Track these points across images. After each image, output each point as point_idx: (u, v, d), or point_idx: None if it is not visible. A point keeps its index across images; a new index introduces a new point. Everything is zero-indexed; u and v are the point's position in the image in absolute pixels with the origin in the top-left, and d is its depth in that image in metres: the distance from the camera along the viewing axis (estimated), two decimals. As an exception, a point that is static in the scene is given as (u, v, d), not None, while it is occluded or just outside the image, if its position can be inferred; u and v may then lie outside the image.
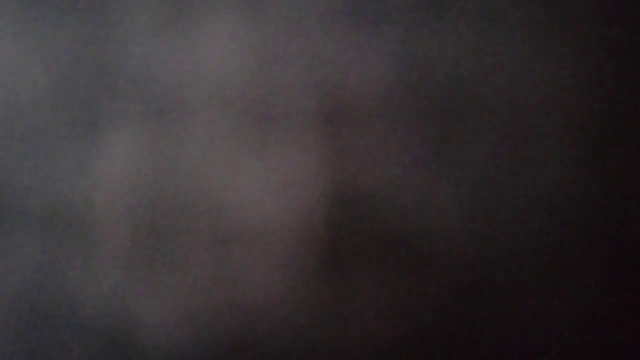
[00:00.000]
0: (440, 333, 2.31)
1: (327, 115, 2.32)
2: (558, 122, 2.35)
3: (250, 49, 2.33)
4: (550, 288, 2.33)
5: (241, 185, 2.31)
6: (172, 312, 2.29)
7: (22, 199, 2.28)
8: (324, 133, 2.32)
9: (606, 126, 2.35)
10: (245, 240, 2.30)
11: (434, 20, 2.34)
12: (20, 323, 2.27)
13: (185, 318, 2.29)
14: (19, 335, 2.27)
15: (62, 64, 2.31)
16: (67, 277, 2.27)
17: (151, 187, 2.30)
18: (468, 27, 2.34)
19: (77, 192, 2.28)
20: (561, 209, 2.34)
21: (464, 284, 2.31)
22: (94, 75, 2.31)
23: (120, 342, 2.27)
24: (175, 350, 2.28)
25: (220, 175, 2.31)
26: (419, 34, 2.34)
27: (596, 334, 2.32)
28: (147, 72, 2.31)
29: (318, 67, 2.33)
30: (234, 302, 2.29)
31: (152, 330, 2.28)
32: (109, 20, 2.31)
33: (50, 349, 2.27)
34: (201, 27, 2.32)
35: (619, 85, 2.36)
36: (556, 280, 2.33)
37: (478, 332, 2.31)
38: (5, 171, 2.28)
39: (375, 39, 2.33)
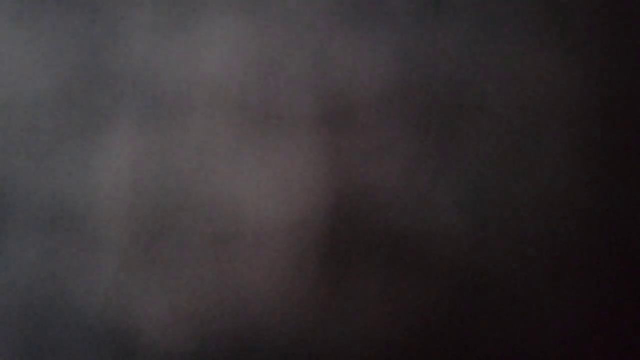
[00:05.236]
0: (440, 332, 2.31)
1: (327, 115, 2.32)
2: (558, 122, 2.35)
3: (250, 49, 2.33)
4: (550, 288, 2.33)
5: (241, 185, 2.31)
6: (172, 312, 2.29)
7: (22, 199, 2.28)
8: (324, 133, 2.32)
9: (606, 126, 2.36)
10: (245, 239, 2.30)
11: (434, 20, 2.34)
12: (21, 323, 2.27)
13: (186, 318, 2.29)
14: (19, 335, 2.27)
15: (63, 65, 2.31)
16: (67, 277, 2.27)
17: (151, 187, 2.30)
18: (468, 27, 2.35)
19: (77, 192, 2.28)
20: (561, 208, 2.34)
21: (464, 284, 2.31)
22: (94, 75, 2.31)
23: (120, 342, 2.27)
24: (176, 350, 2.28)
25: (220, 175, 2.31)
26: (419, 34, 2.34)
27: (596, 333, 2.32)
28: (147, 72, 2.31)
29: (318, 67, 2.33)
30: (234, 302, 2.29)
31: (152, 330, 2.28)
32: (109, 21, 2.31)
33: (50, 349, 2.27)
34: (201, 27, 2.32)
35: (619, 85, 2.36)
36: (556, 280, 2.33)
37: (478, 331, 2.31)
38: (5, 171, 2.28)
39: (375, 39, 2.34)
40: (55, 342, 2.27)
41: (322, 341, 2.30)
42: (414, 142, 2.33)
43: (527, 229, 2.33)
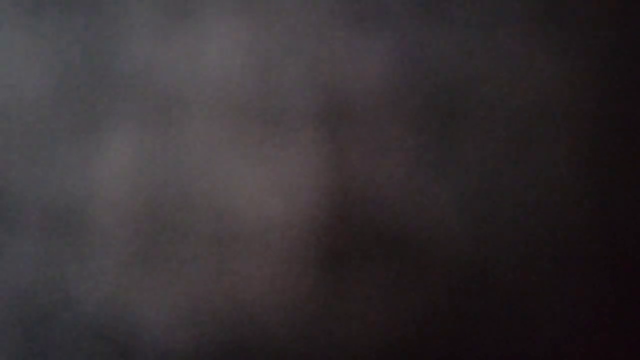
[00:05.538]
0: (440, 332, 2.31)
1: (327, 115, 2.32)
2: (558, 122, 2.35)
3: (250, 49, 2.33)
4: (550, 288, 2.33)
5: (241, 185, 2.31)
6: (172, 312, 2.29)
7: (22, 199, 2.28)
8: (324, 133, 2.32)
9: (606, 126, 2.36)
10: (245, 240, 2.30)
11: (434, 20, 2.34)
12: (21, 323, 2.27)
13: (186, 318, 2.29)
14: (19, 335, 2.27)
15: (63, 65, 2.31)
16: (67, 277, 2.27)
17: (151, 187, 2.30)
18: (468, 27, 2.35)
19: (77, 192, 2.28)
20: (561, 209, 2.34)
21: (463, 284, 2.31)
22: (95, 75, 2.31)
23: (120, 342, 2.27)
24: (175, 350, 2.28)
25: (220, 174, 2.31)
26: (418, 34, 2.34)
27: (596, 333, 2.32)
28: (147, 72, 2.31)
29: (318, 67, 2.33)
30: (234, 302, 2.29)
31: (152, 330, 2.28)
32: (109, 21, 2.31)
33: (50, 349, 2.27)
34: (202, 27, 2.32)
35: (619, 85, 2.36)
36: (556, 280, 2.33)
37: (477, 332, 2.31)
38: (5, 171, 2.28)
39: (375, 39, 2.34)
40: (55, 341, 2.27)
41: (322, 341, 2.30)
42: (413, 141, 2.33)
43: (527, 229, 2.33)
